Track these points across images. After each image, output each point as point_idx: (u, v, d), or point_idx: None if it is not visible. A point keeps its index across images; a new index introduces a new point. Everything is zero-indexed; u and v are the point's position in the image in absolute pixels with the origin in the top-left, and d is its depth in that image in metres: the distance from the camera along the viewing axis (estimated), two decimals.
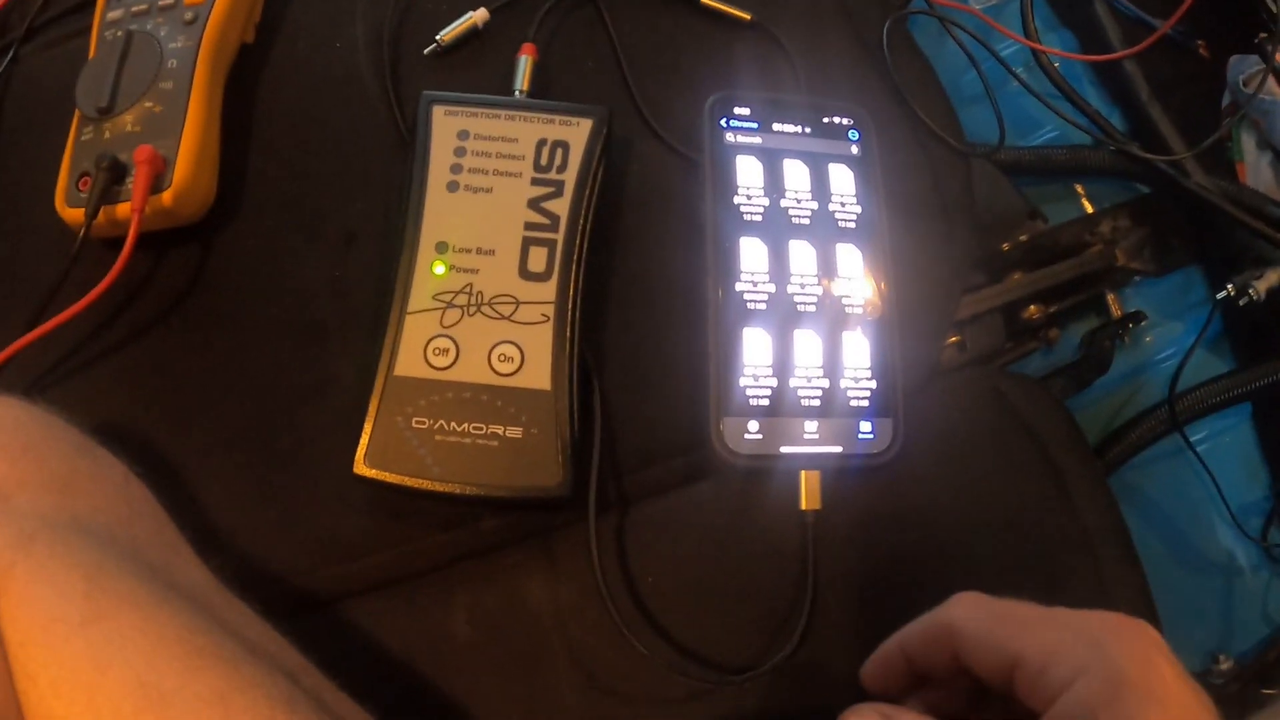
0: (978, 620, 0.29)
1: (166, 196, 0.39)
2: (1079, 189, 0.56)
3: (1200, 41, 0.61)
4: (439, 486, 0.36)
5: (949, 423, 0.40)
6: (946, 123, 0.46)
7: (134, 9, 0.43)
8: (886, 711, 0.29)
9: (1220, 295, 0.49)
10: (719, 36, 0.48)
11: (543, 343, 0.38)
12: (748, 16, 0.48)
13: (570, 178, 0.40)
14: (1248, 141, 0.58)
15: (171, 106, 0.41)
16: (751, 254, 0.38)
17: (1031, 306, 0.49)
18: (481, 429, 0.37)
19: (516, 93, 0.44)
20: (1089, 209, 0.56)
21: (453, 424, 0.37)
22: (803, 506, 0.37)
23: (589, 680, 0.36)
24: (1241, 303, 0.49)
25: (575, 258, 0.39)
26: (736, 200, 0.39)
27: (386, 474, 0.36)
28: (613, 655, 0.36)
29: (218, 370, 0.40)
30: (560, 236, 0.39)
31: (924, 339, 0.41)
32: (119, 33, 0.42)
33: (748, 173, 0.40)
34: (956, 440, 0.40)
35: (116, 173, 0.39)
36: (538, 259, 0.39)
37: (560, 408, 0.37)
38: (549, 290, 0.38)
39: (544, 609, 0.37)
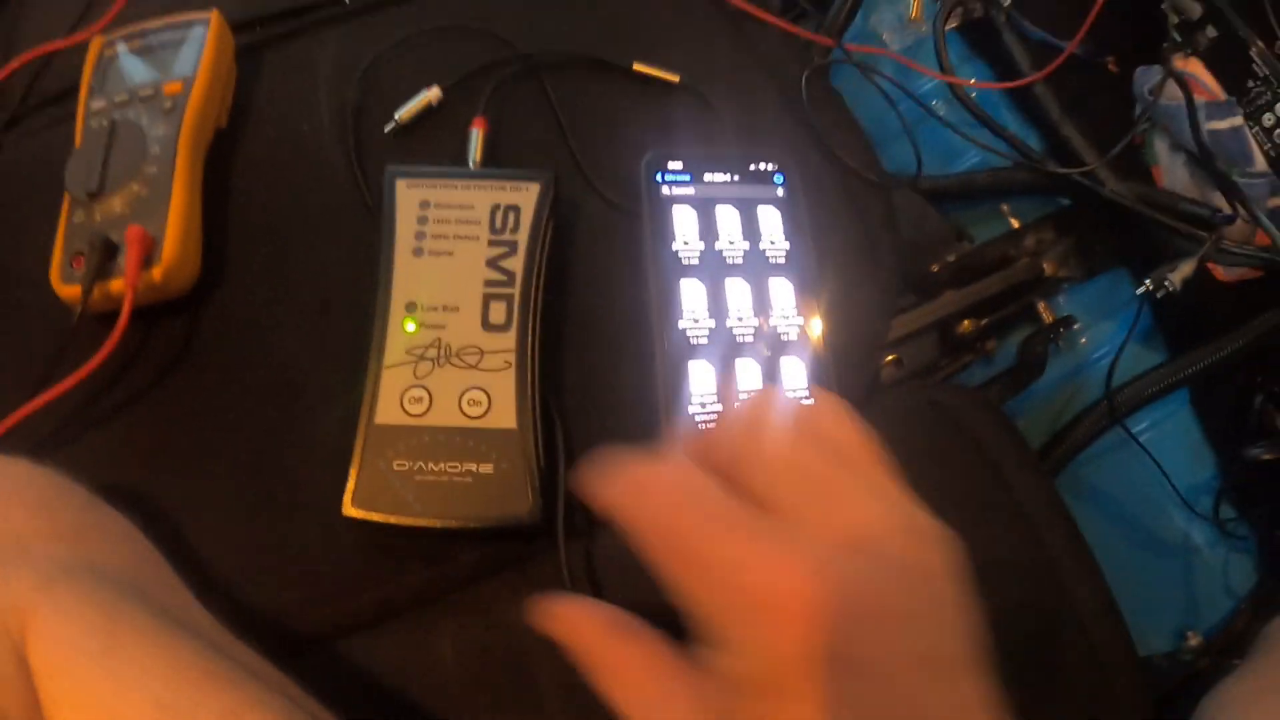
0: None
1: (156, 272, 0.43)
2: (1004, 208, 0.60)
3: (1110, 58, 0.66)
4: (421, 521, 0.39)
5: (888, 435, 0.43)
6: (865, 160, 0.50)
7: (116, 99, 0.47)
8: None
9: (1140, 291, 0.53)
10: (651, 99, 0.52)
11: (507, 386, 0.41)
12: (676, 78, 0.52)
13: (523, 237, 0.44)
14: (1160, 146, 0.62)
15: (156, 189, 0.44)
16: (691, 294, 0.42)
17: (965, 321, 0.53)
18: (457, 467, 0.40)
19: (470, 163, 0.48)
20: (1015, 225, 0.60)
21: (430, 464, 0.40)
22: None
23: (574, 701, 0.38)
24: (1159, 295, 0.53)
25: (531, 309, 0.43)
26: (674, 247, 0.43)
27: (373, 514, 0.39)
28: None
29: (209, 431, 0.43)
30: (517, 290, 0.43)
31: (859, 358, 0.45)
32: (104, 122, 0.46)
33: (683, 221, 0.44)
34: (897, 451, 0.43)
35: (109, 251, 0.43)
36: (498, 312, 0.43)
37: (526, 443, 0.40)
38: (510, 339, 0.42)
39: (526, 635, 0.39)
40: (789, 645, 0.22)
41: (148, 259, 0.43)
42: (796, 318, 0.42)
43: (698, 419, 0.40)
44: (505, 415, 0.41)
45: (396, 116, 0.50)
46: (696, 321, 0.42)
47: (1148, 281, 0.52)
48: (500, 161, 0.49)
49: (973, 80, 0.61)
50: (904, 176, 0.54)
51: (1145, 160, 0.62)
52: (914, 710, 0.23)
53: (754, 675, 0.24)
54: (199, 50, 0.48)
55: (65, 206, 0.45)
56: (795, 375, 0.41)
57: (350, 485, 0.40)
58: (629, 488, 0.27)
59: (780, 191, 0.45)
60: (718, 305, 0.42)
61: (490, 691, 0.39)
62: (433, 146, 0.50)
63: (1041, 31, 0.63)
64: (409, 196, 0.45)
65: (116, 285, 0.42)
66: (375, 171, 0.47)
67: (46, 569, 0.30)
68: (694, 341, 0.41)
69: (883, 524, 0.25)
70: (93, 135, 0.46)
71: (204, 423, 0.43)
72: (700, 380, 0.41)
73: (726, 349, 0.41)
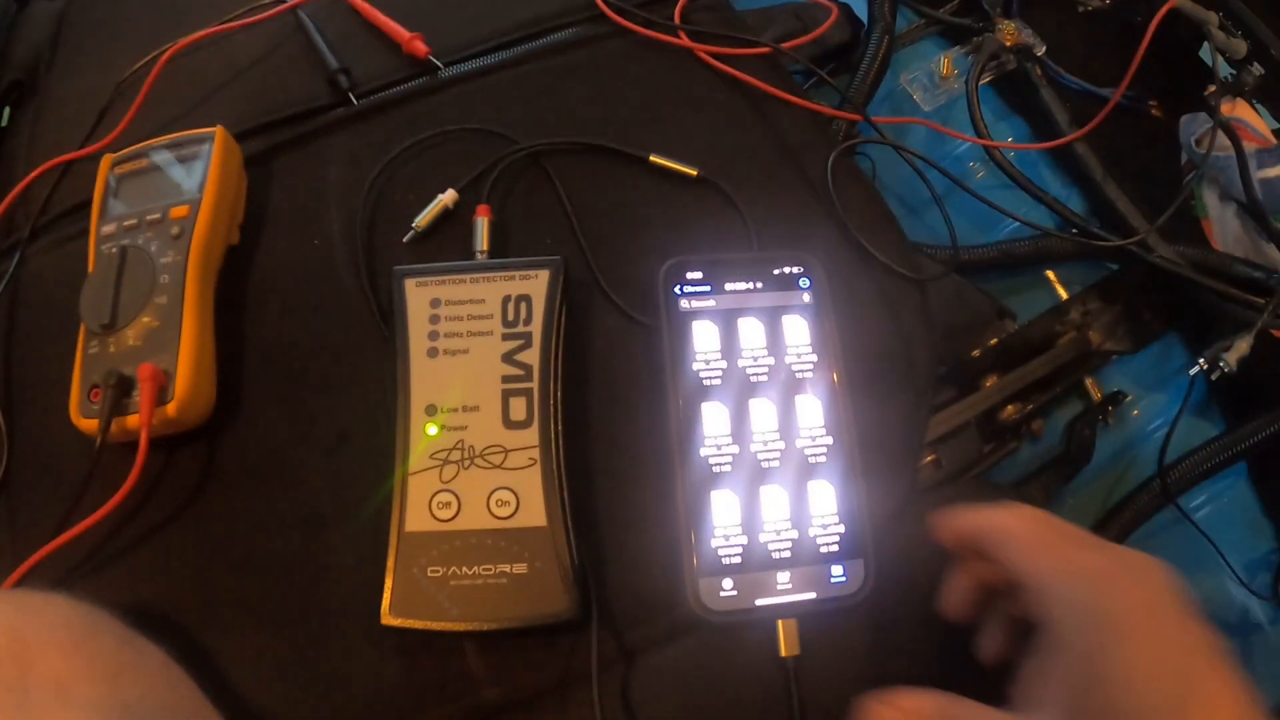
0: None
1: (171, 409, 0.42)
2: (1050, 274, 0.57)
3: (1152, 102, 0.62)
4: (461, 626, 0.39)
5: (925, 548, 0.41)
6: (897, 250, 0.48)
7: (125, 223, 0.46)
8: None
9: (1193, 372, 0.50)
10: (669, 193, 0.50)
11: (534, 484, 0.41)
12: (694, 172, 0.50)
13: (536, 328, 0.43)
14: (1210, 197, 0.59)
15: (167, 321, 0.44)
16: (713, 418, 0.40)
17: (1009, 406, 0.50)
18: (491, 569, 0.40)
19: (477, 254, 0.47)
20: (1061, 292, 0.57)
21: (464, 568, 0.40)
22: (782, 654, 0.38)
23: None
24: (1214, 377, 0.50)
25: (552, 402, 0.42)
26: (695, 366, 0.41)
27: (411, 621, 0.39)
28: None
29: (234, 558, 0.43)
30: (535, 384, 0.42)
31: (894, 470, 0.43)
32: (114, 248, 0.45)
33: (704, 338, 0.42)
34: (934, 564, 0.41)
35: (124, 388, 0.42)
36: (518, 408, 0.42)
37: (558, 540, 0.40)
38: (532, 436, 0.41)
39: None
40: None
41: (161, 395, 0.42)
42: (825, 437, 0.40)
43: (720, 553, 0.38)
44: (534, 513, 0.40)
45: (414, 225, 0.48)
46: (719, 448, 0.40)
47: (1201, 362, 0.49)
48: (510, 253, 0.48)
49: (1009, 140, 0.58)
50: (938, 250, 0.51)
51: (1195, 213, 0.59)
52: None
53: None
54: (205, 169, 0.47)
55: (81, 336, 0.45)
56: (824, 501, 0.40)
57: (386, 595, 0.39)
58: None
59: (806, 297, 0.43)
60: (741, 429, 0.40)
61: None
62: (449, 251, 0.49)
63: (1080, 81, 0.60)
64: (419, 296, 0.44)
65: (133, 421, 0.42)
66: (386, 281, 0.45)
67: (86, 716, 0.30)
68: (716, 470, 0.40)
69: None
70: (104, 262, 0.45)
71: (230, 551, 0.43)
72: (724, 511, 0.39)
73: (750, 475, 0.40)
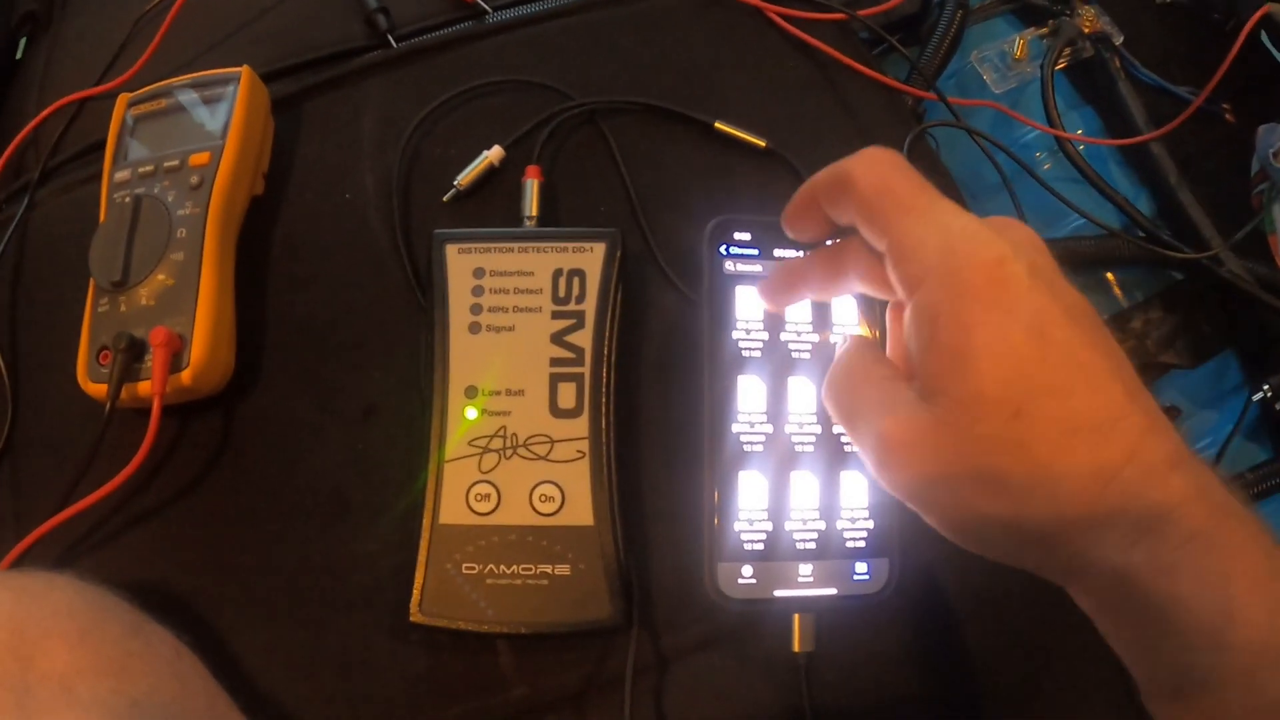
0: (869, 184, 0.28)
1: (185, 376, 0.39)
2: (1110, 277, 0.55)
3: (1225, 105, 0.59)
4: (496, 628, 0.37)
5: (953, 552, 0.39)
6: None
7: (140, 170, 0.43)
8: None
9: (1256, 397, 0.48)
10: (733, 163, 0.47)
11: (581, 479, 0.38)
12: (763, 144, 0.46)
13: (590, 307, 0.40)
14: (1279, 212, 0.56)
15: (184, 280, 0.40)
16: (749, 393, 0.37)
17: None
18: (531, 569, 0.37)
19: (525, 220, 0.43)
20: (1120, 296, 0.54)
21: (502, 567, 0.37)
22: (795, 649, 0.36)
23: None
24: (1279, 406, 0.48)
25: (604, 390, 0.39)
26: (735, 335, 0.38)
27: (443, 620, 0.37)
28: None
29: (250, 538, 0.40)
30: (587, 370, 0.39)
31: None
32: (127, 197, 0.42)
33: (747, 305, 0.38)
34: (961, 567, 0.39)
35: (135, 351, 0.39)
36: (567, 395, 0.39)
37: (605, 542, 0.37)
38: (582, 426, 0.38)
39: None
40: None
41: (176, 361, 0.39)
42: None
43: (743, 537, 0.36)
44: (581, 512, 0.38)
45: (456, 183, 0.45)
46: (752, 426, 0.37)
47: (1266, 389, 0.47)
48: (560, 220, 0.45)
49: (1080, 132, 0.55)
50: None
51: (1262, 228, 0.56)
52: None
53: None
54: (228, 113, 0.43)
55: (91, 292, 0.41)
56: (855, 493, 0.37)
57: (416, 591, 0.37)
58: None
59: None
60: (777, 407, 0.37)
61: None
62: (491, 215, 0.45)
63: (1155, 77, 0.56)
64: (461, 264, 0.40)
65: (144, 388, 0.39)
66: (423, 244, 0.42)
67: (90, 716, 0.29)
68: (748, 449, 0.37)
69: None
70: (116, 212, 0.41)
71: (245, 529, 0.40)
72: (751, 493, 0.36)
73: (783, 459, 0.37)
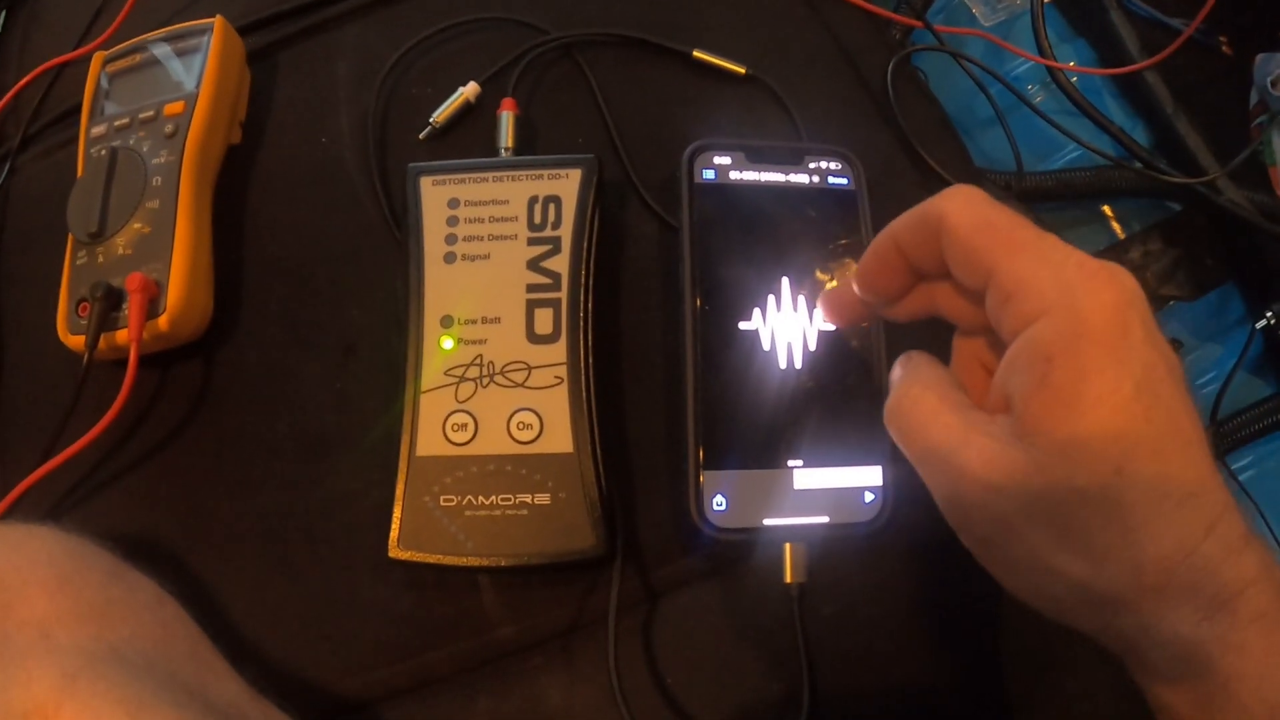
0: (966, 222, 0.27)
1: (163, 321, 0.39)
2: (1107, 210, 0.54)
3: (1222, 38, 0.58)
4: (475, 561, 0.36)
5: None
6: (960, 168, 0.44)
7: (116, 123, 0.43)
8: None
9: (1260, 324, 0.47)
10: (714, 92, 0.46)
11: (560, 406, 0.37)
12: (742, 70, 0.45)
13: (566, 233, 0.39)
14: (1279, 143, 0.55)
15: (160, 227, 0.40)
16: (729, 314, 0.37)
17: None
18: (510, 499, 0.37)
19: (501, 151, 0.43)
20: (1118, 230, 0.53)
21: (480, 498, 0.37)
22: (787, 579, 0.35)
23: None
24: None
25: (581, 314, 0.38)
26: (715, 258, 0.37)
27: (421, 554, 0.36)
28: None
29: (232, 484, 0.40)
30: (564, 295, 0.38)
31: None
32: (103, 150, 0.42)
33: (728, 229, 0.38)
34: None
35: (112, 300, 0.39)
36: (544, 321, 0.38)
37: (585, 469, 0.37)
38: (559, 351, 0.38)
39: (561, 713, 0.37)
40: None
41: (153, 307, 0.39)
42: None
43: (727, 460, 0.35)
44: (560, 439, 0.37)
45: (432, 120, 0.44)
46: (734, 339, 0.36)
47: (1269, 315, 0.46)
48: (537, 152, 0.44)
49: (1073, 64, 0.54)
50: (997, 175, 0.48)
51: (1262, 159, 0.55)
52: None
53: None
54: (202, 63, 0.43)
55: (69, 246, 0.41)
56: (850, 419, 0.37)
57: (395, 526, 0.36)
58: None
59: (844, 195, 0.39)
60: (762, 328, 0.37)
61: None
62: (470, 151, 0.44)
63: (1149, 9, 0.55)
64: (436, 196, 0.40)
65: (123, 336, 0.39)
66: (401, 186, 0.42)
67: (70, 662, 0.28)
68: (729, 367, 0.36)
69: None
70: (93, 166, 0.41)
71: (226, 476, 0.40)
72: (734, 411, 0.36)
73: (764, 373, 0.36)
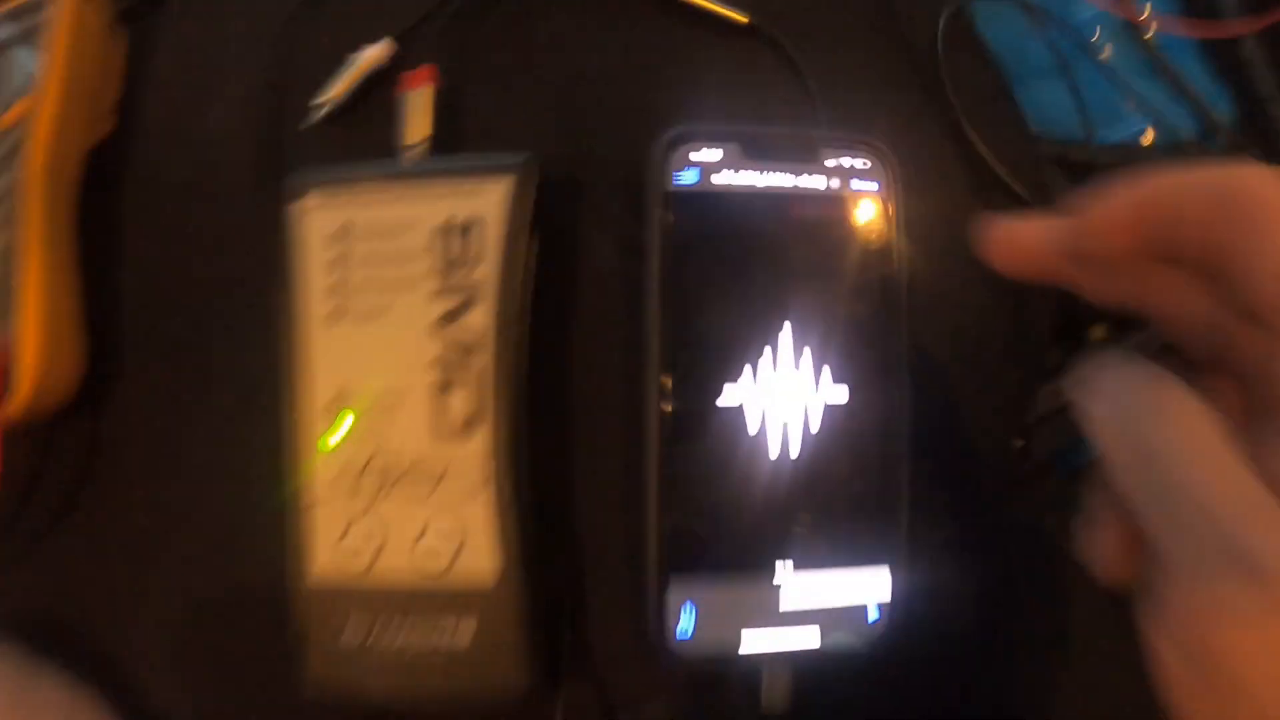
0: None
1: (14, 406, 0.32)
2: None
3: None
4: (393, 708, 0.31)
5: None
6: (1019, 157, 0.35)
7: None
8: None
9: None
10: (704, 47, 0.36)
11: (483, 518, 0.30)
12: (744, 19, 0.36)
13: (490, 274, 0.30)
14: None
15: (0, 279, 0.32)
16: (707, 365, 0.30)
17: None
18: (421, 639, 0.30)
19: (404, 150, 0.33)
20: None
21: (386, 637, 0.30)
22: (763, 712, 0.30)
23: None
24: None
25: (512, 390, 0.30)
26: (692, 287, 0.30)
27: (334, 697, 0.31)
28: None
29: (137, 554, 0.34)
30: (489, 362, 0.30)
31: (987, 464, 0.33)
32: None
33: (711, 248, 0.30)
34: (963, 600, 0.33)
35: None
36: (461, 402, 0.30)
37: (512, 600, 0.30)
38: (481, 445, 0.30)
39: None
40: None
41: (3, 381, 0.31)
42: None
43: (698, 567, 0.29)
44: (482, 560, 0.30)
45: (314, 103, 0.35)
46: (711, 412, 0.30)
47: None
48: (466, 142, 0.35)
49: (1148, 13, 0.44)
50: (1056, 144, 0.39)
51: None
52: None
53: None
54: (45, 49, 0.33)
55: None
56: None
57: (305, 664, 0.30)
58: None
59: (870, 202, 0.31)
60: (751, 382, 0.30)
61: None
62: (385, 136, 0.34)
63: None
64: (319, 224, 0.31)
65: None
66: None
67: None
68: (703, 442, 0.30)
69: None
70: None
71: (130, 545, 0.34)
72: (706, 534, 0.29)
73: (753, 497, 0.30)
